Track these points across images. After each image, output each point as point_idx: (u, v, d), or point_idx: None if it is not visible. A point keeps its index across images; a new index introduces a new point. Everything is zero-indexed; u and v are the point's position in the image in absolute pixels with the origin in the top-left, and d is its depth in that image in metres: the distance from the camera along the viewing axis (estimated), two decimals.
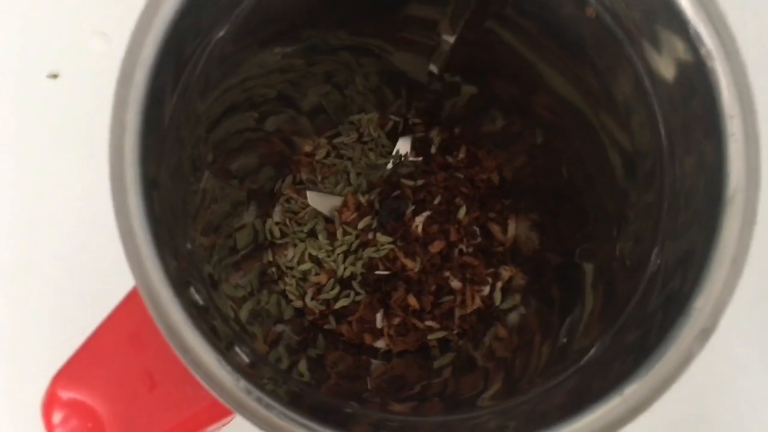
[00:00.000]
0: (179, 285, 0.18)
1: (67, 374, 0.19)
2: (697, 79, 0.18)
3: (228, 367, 0.18)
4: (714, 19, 0.18)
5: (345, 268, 0.31)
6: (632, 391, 0.18)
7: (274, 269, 0.32)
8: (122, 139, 0.17)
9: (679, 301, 0.18)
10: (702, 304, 0.18)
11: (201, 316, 0.18)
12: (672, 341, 0.18)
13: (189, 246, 0.21)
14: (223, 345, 0.18)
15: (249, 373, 0.18)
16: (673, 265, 0.20)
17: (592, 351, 0.20)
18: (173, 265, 0.18)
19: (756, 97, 0.18)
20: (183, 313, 0.18)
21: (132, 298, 0.20)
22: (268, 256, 0.32)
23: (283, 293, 0.31)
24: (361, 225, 0.31)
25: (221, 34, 0.21)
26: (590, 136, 0.25)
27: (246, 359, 0.19)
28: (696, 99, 0.19)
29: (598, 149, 0.24)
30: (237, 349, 0.19)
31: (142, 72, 0.18)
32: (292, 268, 0.31)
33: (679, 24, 0.18)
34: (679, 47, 0.19)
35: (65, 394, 0.19)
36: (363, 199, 0.31)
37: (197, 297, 0.19)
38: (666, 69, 0.19)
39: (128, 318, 0.20)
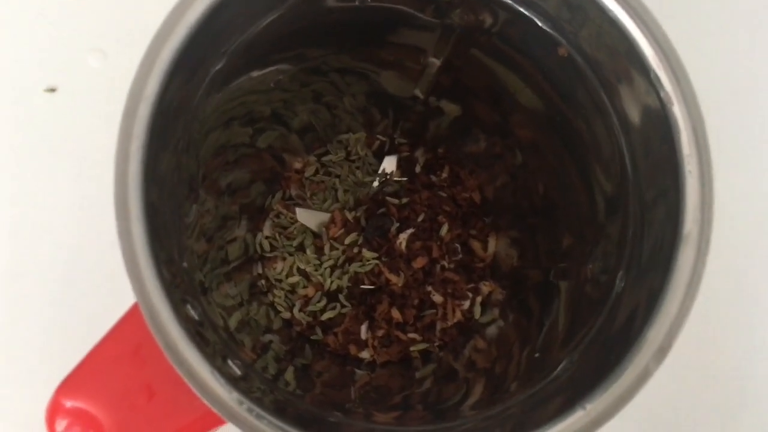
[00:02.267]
0: (177, 303, 0.19)
1: (71, 384, 0.21)
2: (657, 120, 0.20)
3: (221, 379, 0.19)
4: (673, 64, 0.20)
5: (332, 282, 0.32)
6: (594, 405, 0.19)
7: (263, 281, 0.33)
8: (126, 167, 0.19)
9: (639, 322, 0.20)
10: (659, 326, 0.19)
11: (197, 332, 0.20)
12: (631, 359, 0.19)
13: (185, 264, 0.22)
14: (216, 358, 0.20)
15: (240, 384, 0.20)
16: (635, 288, 0.21)
17: (562, 365, 0.22)
18: (171, 284, 0.20)
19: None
20: (180, 329, 0.19)
21: (132, 313, 0.21)
22: (258, 269, 0.33)
23: (271, 305, 0.33)
24: (347, 241, 0.32)
25: (219, 66, 0.22)
26: (563, 162, 0.26)
27: (238, 372, 0.21)
28: (657, 138, 0.20)
29: (570, 176, 0.26)
30: (229, 362, 0.21)
31: (145, 107, 0.19)
32: (280, 281, 0.33)
33: (642, 68, 0.20)
34: (642, 89, 0.20)
35: (69, 403, 0.20)
36: (350, 216, 0.33)
37: (193, 313, 0.21)
38: (630, 109, 0.21)
39: (129, 332, 0.21)
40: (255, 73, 0.26)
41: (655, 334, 0.19)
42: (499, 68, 0.27)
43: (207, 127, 0.26)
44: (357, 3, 0.24)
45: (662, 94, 0.20)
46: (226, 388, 0.19)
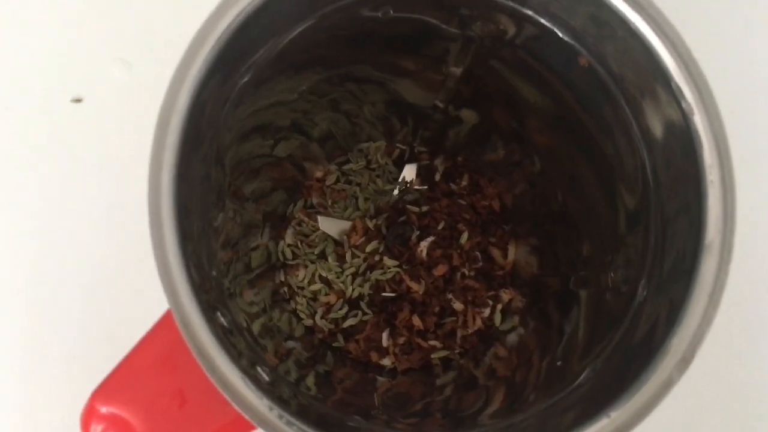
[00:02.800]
0: (207, 310, 0.20)
1: (106, 389, 0.21)
2: (679, 131, 0.20)
3: (252, 386, 0.20)
4: (694, 74, 0.20)
5: (353, 289, 0.32)
6: (618, 414, 0.19)
7: (285, 289, 0.33)
8: (159, 177, 0.19)
9: (661, 331, 0.20)
10: (682, 336, 0.20)
11: (227, 339, 0.20)
12: (654, 369, 0.20)
13: (214, 272, 0.22)
14: (246, 365, 0.20)
15: (269, 390, 0.20)
16: (657, 297, 0.22)
17: (584, 374, 0.22)
18: (202, 292, 0.20)
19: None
20: (211, 336, 0.19)
21: (165, 320, 0.22)
22: (281, 276, 0.34)
23: (294, 312, 0.33)
24: (368, 248, 0.32)
25: (247, 78, 0.23)
26: (583, 172, 0.27)
27: (266, 378, 0.21)
28: (679, 149, 0.20)
29: (590, 185, 0.26)
30: (258, 369, 0.21)
31: (177, 118, 0.20)
32: (303, 288, 0.33)
33: (664, 79, 0.20)
34: (664, 100, 0.21)
35: (103, 408, 0.21)
36: (371, 224, 0.33)
37: (223, 320, 0.21)
38: (652, 120, 0.21)
39: (162, 339, 0.22)
40: (280, 85, 0.27)
41: (677, 343, 0.20)
42: (520, 78, 0.28)
43: (232, 138, 0.26)
44: (380, 15, 0.25)
45: (684, 105, 0.20)
46: (257, 395, 0.19)
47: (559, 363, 0.25)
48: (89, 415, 0.21)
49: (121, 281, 0.33)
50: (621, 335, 0.22)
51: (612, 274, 0.25)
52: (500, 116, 0.32)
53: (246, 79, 0.23)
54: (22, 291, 0.34)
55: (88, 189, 0.36)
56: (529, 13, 0.23)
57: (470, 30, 0.26)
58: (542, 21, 0.23)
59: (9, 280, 0.34)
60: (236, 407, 0.19)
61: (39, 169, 0.36)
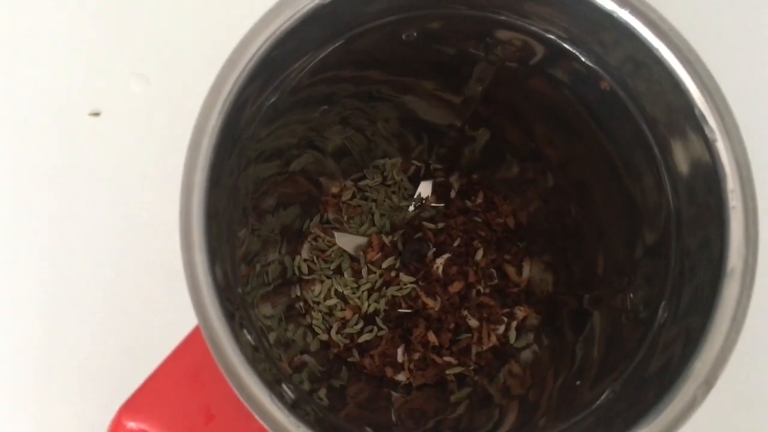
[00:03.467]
0: (236, 328, 0.20)
1: (134, 404, 0.21)
2: (702, 158, 0.21)
3: (278, 403, 0.20)
4: (716, 99, 0.21)
5: (369, 305, 0.33)
6: None
7: (301, 303, 0.34)
8: (191, 198, 0.20)
9: (683, 354, 0.20)
10: (704, 359, 0.20)
11: (254, 357, 0.20)
12: (677, 391, 0.20)
13: (240, 290, 0.23)
14: (272, 383, 0.20)
15: (295, 408, 0.20)
16: (678, 320, 0.22)
17: (604, 396, 0.22)
18: (230, 309, 0.20)
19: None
20: (239, 354, 0.20)
21: (192, 337, 0.22)
22: (296, 291, 0.34)
23: (309, 326, 0.33)
24: (385, 264, 0.33)
25: (273, 99, 0.23)
26: (602, 194, 0.27)
27: (292, 396, 0.21)
28: (701, 176, 0.21)
29: (609, 210, 0.26)
30: (284, 386, 0.21)
31: (208, 139, 0.20)
32: (318, 303, 0.33)
33: (687, 105, 0.21)
34: (686, 126, 0.21)
35: (131, 423, 0.21)
36: (387, 240, 0.33)
37: (249, 338, 0.21)
38: (676, 148, 0.22)
39: (189, 355, 0.22)
40: (303, 105, 0.27)
41: (700, 367, 0.20)
42: (541, 102, 0.28)
43: (256, 152, 0.26)
44: (404, 37, 0.25)
45: (707, 132, 0.20)
46: (284, 412, 0.20)
47: (578, 383, 0.26)
48: (116, 429, 0.21)
49: (145, 295, 0.33)
50: (641, 358, 0.22)
51: (631, 295, 0.25)
52: (517, 137, 0.32)
53: (272, 101, 0.23)
54: (42, 304, 0.34)
55: (106, 202, 0.36)
56: (552, 37, 0.24)
57: (493, 53, 0.26)
58: (564, 45, 0.24)
59: (30, 294, 0.34)
60: (265, 425, 0.19)
61: (57, 182, 0.36)
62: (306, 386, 0.28)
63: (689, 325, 0.21)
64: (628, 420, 0.20)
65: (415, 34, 0.25)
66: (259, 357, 0.21)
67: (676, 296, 0.22)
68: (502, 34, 0.25)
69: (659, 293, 0.23)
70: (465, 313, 0.32)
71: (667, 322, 0.22)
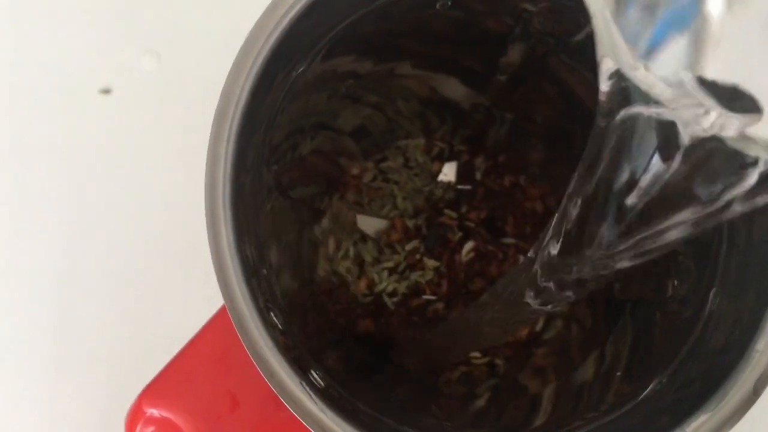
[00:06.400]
0: (262, 310, 0.19)
1: (153, 391, 0.20)
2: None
3: (308, 391, 0.19)
4: None
5: (387, 284, 0.31)
6: (695, 428, 0.18)
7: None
8: (216, 172, 0.18)
9: (739, 342, 0.19)
10: (764, 346, 0.19)
11: (282, 341, 0.19)
12: (734, 380, 0.19)
13: (264, 271, 0.21)
14: (301, 369, 0.19)
15: (325, 394, 0.19)
16: (731, 305, 0.20)
17: (649, 388, 0.21)
18: (256, 290, 0.19)
19: None
20: (268, 338, 0.18)
21: (216, 320, 0.21)
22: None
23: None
24: (408, 247, 0.31)
25: (301, 69, 0.22)
26: None
27: (321, 382, 0.20)
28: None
29: None
30: (312, 373, 0.20)
31: (236, 110, 0.19)
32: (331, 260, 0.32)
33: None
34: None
35: (150, 410, 0.20)
36: (410, 224, 0.32)
37: (276, 321, 0.20)
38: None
39: (213, 339, 0.21)
40: (330, 78, 0.26)
41: (759, 356, 0.19)
42: (577, 84, 0.27)
43: (280, 134, 0.25)
44: (437, 6, 0.24)
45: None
46: (313, 399, 0.18)
47: (619, 374, 0.24)
48: (135, 416, 0.20)
49: (168, 275, 0.32)
50: (690, 347, 0.21)
51: (675, 282, 0.24)
52: (547, 119, 0.31)
53: (301, 70, 0.22)
54: (56, 288, 0.33)
55: (118, 181, 0.35)
56: None
57: (532, 25, 0.25)
58: None
59: (42, 276, 0.33)
60: (294, 412, 0.18)
61: (67, 160, 0.35)
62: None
63: (747, 307, 0.20)
64: (682, 412, 0.19)
65: (449, 3, 0.24)
66: (287, 342, 0.20)
67: (728, 279, 0.21)
68: (543, 3, 0.23)
69: (709, 278, 0.22)
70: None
71: (720, 307, 0.21)
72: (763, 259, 0.20)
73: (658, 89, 0.11)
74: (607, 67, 0.12)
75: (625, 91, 0.12)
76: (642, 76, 0.11)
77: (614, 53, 0.11)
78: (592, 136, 0.14)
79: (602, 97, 0.12)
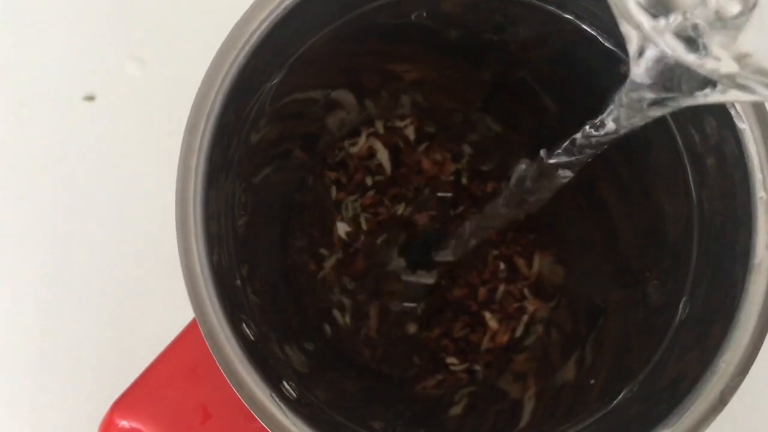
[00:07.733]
0: (234, 322, 0.19)
1: (125, 402, 0.20)
2: (728, 144, 0.20)
3: (278, 402, 0.19)
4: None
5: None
6: None
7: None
8: (188, 182, 0.18)
9: (707, 352, 0.19)
10: (730, 357, 0.19)
11: (253, 353, 0.19)
12: (702, 390, 0.19)
13: (238, 282, 0.22)
14: (273, 381, 0.19)
15: (295, 406, 0.19)
16: (701, 315, 0.21)
17: (621, 395, 0.21)
18: (228, 303, 0.19)
19: None
20: (239, 350, 0.18)
21: (188, 331, 0.21)
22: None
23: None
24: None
25: (275, 81, 0.22)
26: (619, 185, 0.26)
27: (294, 393, 0.20)
28: (728, 163, 0.20)
29: (626, 202, 0.25)
30: (285, 384, 0.20)
31: (208, 122, 0.19)
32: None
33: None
34: (712, 112, 0.20)
35: (122, 422, 0.20)
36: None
37: (248, 332, 0.20)
38: (700, 135, 0.20)
39: (184, 351, 0.21)
40: (300, 93, 0.26)
41: (726, 366, 0.19)
42: (556, 87, 0.27)
43: (255, 146, 0.25)
44: (413, 18, 0.24)
45: (735, 117, 0.19)
46: (283, 411, 0.19)
47: (592, 381, 0.25)
48: (108, 428, 0.20)
49: (141, 287, 0.32)
50: (660, 355, 0.21)
51: (648, 290, 0.24)
52: (528, 124, 0.31)
53: (275, 81, 0.22)
54: (35, 295, 0.33)
55: (100, 189, 0.35)
56: (570, 17, 0.22)
57: (506, 34, 0.25)
58: (582, 25, 0.22)
59: (22, 283, 0.33)
60: (264, 424, 0.18)
61: (50, 168, 0.35)
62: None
63: (715, 320, 0.20)
64: (651, 420, 0.19)
65: (424, 14, 0.24)
66: (258, 353, 0.20)
67: (700, 289, 0.21)
68: (515, 12, 0.23)
69: (680, 288, 0.22)
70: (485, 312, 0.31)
71: (690, 318, 0.21)
72: (733, 273, 0.20)
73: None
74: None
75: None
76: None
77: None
78: None
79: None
